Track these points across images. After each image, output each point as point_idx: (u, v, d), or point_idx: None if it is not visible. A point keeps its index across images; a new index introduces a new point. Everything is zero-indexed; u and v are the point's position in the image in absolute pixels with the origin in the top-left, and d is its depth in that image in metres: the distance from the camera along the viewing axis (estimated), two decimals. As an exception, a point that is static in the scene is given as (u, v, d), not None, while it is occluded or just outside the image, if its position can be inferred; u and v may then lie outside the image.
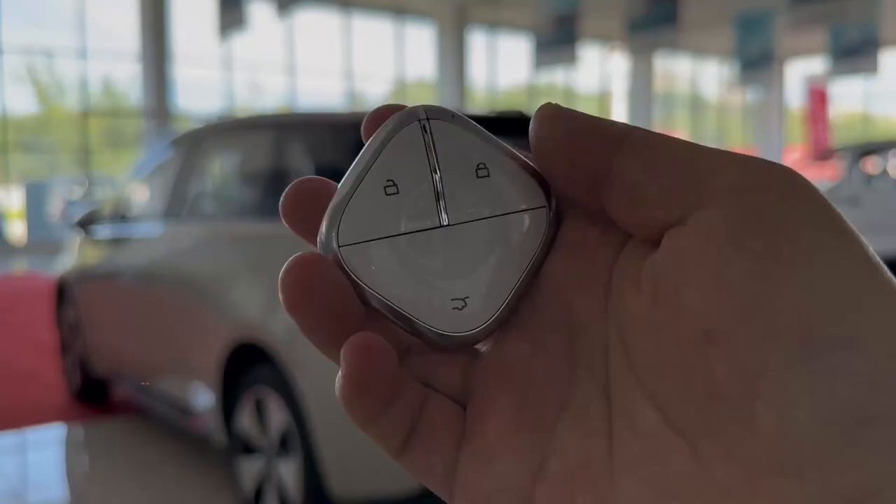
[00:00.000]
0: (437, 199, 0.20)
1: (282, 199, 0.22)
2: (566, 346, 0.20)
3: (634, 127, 0.19)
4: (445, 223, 0.20)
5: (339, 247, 0.20)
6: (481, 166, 0.21)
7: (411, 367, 0.21)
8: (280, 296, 0.20)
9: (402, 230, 0.20)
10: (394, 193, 0.20)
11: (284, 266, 0.20)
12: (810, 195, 0.17)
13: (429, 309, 0.20)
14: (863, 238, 0.17)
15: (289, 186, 0.22)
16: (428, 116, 0.21)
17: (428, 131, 0.21)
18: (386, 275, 0.20)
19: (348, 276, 0.20)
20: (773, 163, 0.18)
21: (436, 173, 0.21)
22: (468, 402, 0.21)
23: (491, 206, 0.21)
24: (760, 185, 0.17)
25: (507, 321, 0.21)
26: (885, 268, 0.17)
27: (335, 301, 0.20)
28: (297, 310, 0.20)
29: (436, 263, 0.20)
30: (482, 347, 0.22)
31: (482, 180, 0.21)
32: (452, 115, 0.21)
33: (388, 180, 0.20)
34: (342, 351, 0.20)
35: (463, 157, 0.21)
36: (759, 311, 0.16)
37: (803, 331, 0.16)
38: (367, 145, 0.21)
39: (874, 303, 0.16)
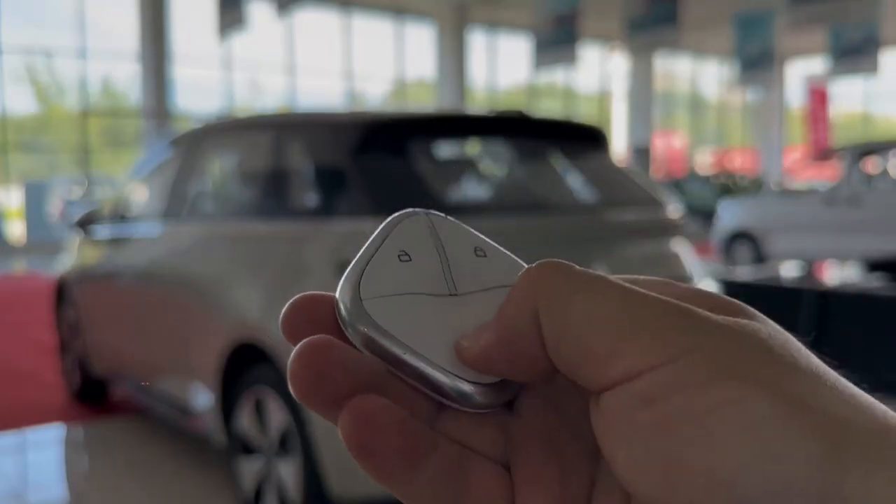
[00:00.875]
0: (445, 272, 0.24)
1: (281, 316, 0.23)
2: (584, 414, 0.21)
3: (550, 306, 0.20)
4: (454, 292, 0.23)
5: (361, 299, 0.22)
6: (479, 250, 0.25)
7: (446, 429, 0.22)
8: (290, 384, 0.21)
9: (418, 291, 0.23)
10: (407, 261, 0.24)
11: (294, 352, 0.21)
12: (714, 357, 0.18)
13: (444, 361, 0.22)
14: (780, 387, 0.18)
15: (287, 305, 0.23)
16: (428, 213, 0.25)
17: (431, 222, 0.25)
18: (404, 327, 0.22)
19: (367, 325, 0.22)
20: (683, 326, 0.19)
21: (442, 251, 0.24)
22: (512, 467, 0.22)
23: (491, 279, 0.24)
24: (665, 358, 0.18)
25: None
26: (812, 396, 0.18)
27: (348, 383, 0.21)
28: (309, 400, 0.21)
29: (448, 323, 0.23)
30: (508, 408, 0.23)
31: (480, 259, 0.24)
32: (446, 215, 0.25)
33: (401, 251, 0.24)
34: (340, 417, 0.20)
35: (462, 242, 0.25)
36: (670, 472, 0.17)
37: (712, 491, 0.17)
38: (376, 232, 0.24)
39: (783, 451, 0.17)
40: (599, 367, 0.19)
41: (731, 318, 0.19)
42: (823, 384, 0.18)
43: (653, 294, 0.20)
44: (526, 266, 0.23)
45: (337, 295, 0.23)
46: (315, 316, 0.23)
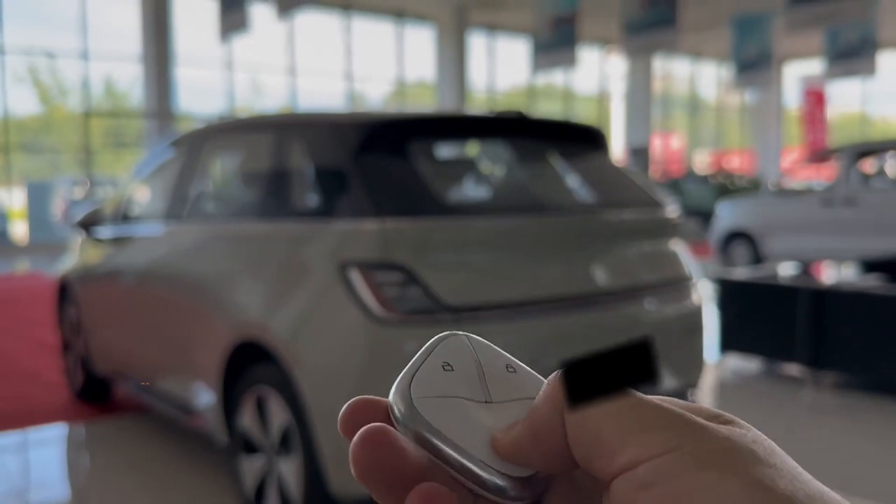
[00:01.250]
0: (482, 382, 0.28)
1: (340, 415, 0.27)
2: None
3: (572, 409, 0.25)
4: (490, 400, 0.27)
5: (412, 400, 0.26)
6: (509, 366, 0.29)
7: None
8: (352, 465, 0.25)
9: (460, 395, 0.27)
10: (450, 371, 0.28)
11: (355, 439, 0.25)
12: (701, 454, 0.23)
13: (483, 457, 0.26)
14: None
15: (345, 406, 0.27)
16: (468, 336, 0.30)
17: (470, 341, 0.29)
18: (449, 426, 0.26)
19: (418, 423, 0.26)
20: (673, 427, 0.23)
21: (479, 365, 0.28)
22: None
23: (520, 391, 0.28)
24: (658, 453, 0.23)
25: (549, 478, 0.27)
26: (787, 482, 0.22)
27: (401, 469, 0.25)
28: (367, 480, 0.25)
29: (485, 425, 0.27)
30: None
31: (511, 374, 0.29)
32: (480, 339, 0.30)
33: (445, 362, 0.28)
34: (408, 498, 0.24)
35: (496, 359, 0.29)
36: None
37: None
38: (424, 347, 0.29)
39: None
40: (609, 458, 0.23)
41: (721, 425, 0.24)
42: (790, 474, 0.23)
43: (656, 401, 0.25)
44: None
45: (391, 397, 0.27)
46: (368, 415, 0.27)
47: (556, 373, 0.26)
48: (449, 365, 0.28)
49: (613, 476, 0.23)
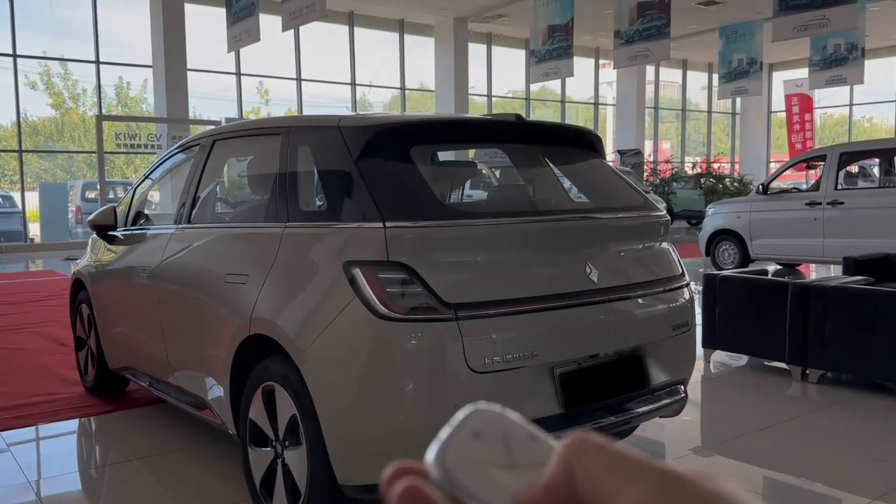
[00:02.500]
0: (508, 450, 0.32)
1: (384, 476, 0.31)
2: None
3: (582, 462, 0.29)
4: (514, 464, 0.31)
5: (448, 463, 0.31)
6: (532, 436, 0.33)
7: None
8: None
9: (489, 460, 0.31)
10: (480, 438, 0.32)
11: (395, 499, 0.30)
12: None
13: None
14: None
15: (387, 468, 0.32)
16: (501, 409, 0.33)
17: (498, 413, 0.33)
18: (480, 487, 0.30)
19: (453, 484, 0.30)
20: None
21: (505, 435, 0.32)
22: None
23: (541, 456, 0.32)
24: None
25: None
26: None
27: None
28: None
29: (511, 486, 0.31)
30: None
31: (533, 442, 0.33)
32: (506, 410, 0.34)
33: (476, 431, 0.32)
34: None
35: (519, 428, 0.33)
36: None
37: None
38: (459, 416, 0.33)
39: None
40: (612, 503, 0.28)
41: (709, 482, 0.28)
42: None
43: (649, 461, 0.29)
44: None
45: (428, 462, 0.31)
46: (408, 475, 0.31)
47: (567, 438, 0.30)
48: (479, 433, 0.32)
49: None
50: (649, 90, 21.87)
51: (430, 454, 0.31)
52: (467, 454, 0.31)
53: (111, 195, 13.64)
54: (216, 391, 2.77)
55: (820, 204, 7.93)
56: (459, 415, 0.32)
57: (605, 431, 2.27)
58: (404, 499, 0.30)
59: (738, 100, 22.90)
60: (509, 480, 0.30)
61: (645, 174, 18.77)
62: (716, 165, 19.84)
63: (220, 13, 11.31)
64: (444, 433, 0.32)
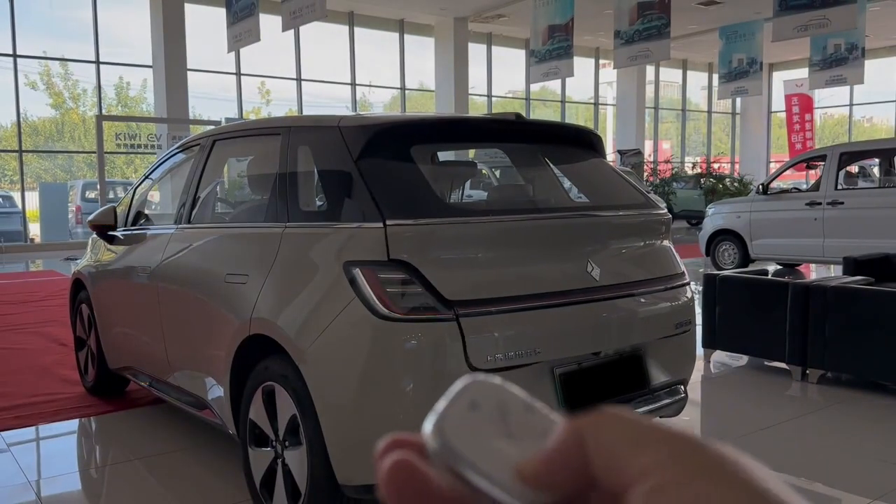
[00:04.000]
0: (506, 418, 0.31)
1: (377, 450, 0.30)
2: None
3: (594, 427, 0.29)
4: (512, 434, 0.31)
5: (445, 434, 0.30)
6: (529, 407, 0.32)
7: None
8: (384, 494, 0.28)
9: (486, 430, 0.30)
10: (478, 409, 0.31)
11: (384, 473, 0.28)
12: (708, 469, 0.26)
13: (508, 486, 0.29)
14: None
15: (381, 441, 0.30)
16: (501, 380, 0.33)
17: (496, 383, 0.32)
18: (477, 457, 0.29)
19: (451, 454, 0.29)
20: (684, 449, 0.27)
21: (503, 404, 0.32)
22: None
23: (540, 427, 0.31)
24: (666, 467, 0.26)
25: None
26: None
27: (427, 493, 0.28)
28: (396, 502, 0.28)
29: (510, 457, 0.30)
30: None
31: (531, 412, 0.32)
32: (504, 381, 0.33)
33: (472, 401, 0.31)
34: None
35: (517, 399, 0.32)
36: None
37: None
38: (454, 388, 0.32)
39: None
40: (622, 470, 0.27)
41: (726, 448, 0.27)
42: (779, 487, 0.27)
43: (666, 426, 0.28)
44: (562, 419, 0.31)
45: (425, 433, 0.30)
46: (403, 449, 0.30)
47: (578, 414, 0.30)
48: (476, 404, 0.31)
49: (627, 485, 0.26)
50: (649, 90, 21.91)
51: (427, 425, 0.30)
52: (465, 424, 0.30)
53: (111, 195, 13.64)
54: (216, 391, 2.77)
55: (820, 204, 7.94)
56: (457, 385, 0.32)
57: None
58: (394, 472, 0.28)
59: (738, 100, 22.93)
60: (508, 450, 0.30)
61: (645, 174, 18.80)
62: (716, 165, 19.86)
63: (220, 13, 11.31)
64: (441, 404, 0.31)
